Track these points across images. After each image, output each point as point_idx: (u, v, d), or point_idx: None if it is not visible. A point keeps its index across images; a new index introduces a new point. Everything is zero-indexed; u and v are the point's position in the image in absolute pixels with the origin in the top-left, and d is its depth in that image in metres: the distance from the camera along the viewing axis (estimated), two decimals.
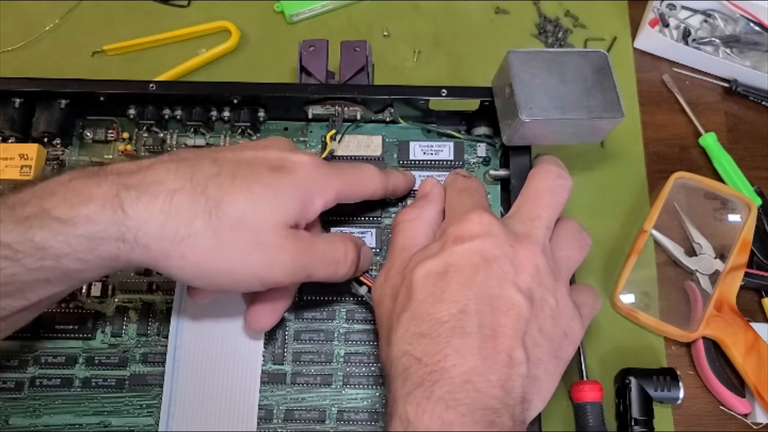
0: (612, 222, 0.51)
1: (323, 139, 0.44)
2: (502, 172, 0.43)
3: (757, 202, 0.50)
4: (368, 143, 0.44)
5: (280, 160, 0.34)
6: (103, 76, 0.50)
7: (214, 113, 0.45)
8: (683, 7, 0.57)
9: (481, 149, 0.45)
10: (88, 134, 0.45)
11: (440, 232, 0.35)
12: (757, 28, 0.54)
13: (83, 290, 0.42)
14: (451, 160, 0.44)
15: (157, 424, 0.39)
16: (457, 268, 0.32)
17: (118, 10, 0.58)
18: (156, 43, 0.56)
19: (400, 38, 0.57)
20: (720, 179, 0.51)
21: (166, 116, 0.45)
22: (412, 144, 0.44)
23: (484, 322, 0.31)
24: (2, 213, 0.30)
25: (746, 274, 0.47)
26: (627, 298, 0.47)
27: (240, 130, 0.45)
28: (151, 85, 0.43)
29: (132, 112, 0.45)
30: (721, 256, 0.48)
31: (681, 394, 0.44)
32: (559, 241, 0.36)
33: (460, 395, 0.29)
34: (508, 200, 0.41)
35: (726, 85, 0.55)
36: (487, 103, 0.42)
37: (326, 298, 0.42)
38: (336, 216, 0.43)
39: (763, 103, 0.55)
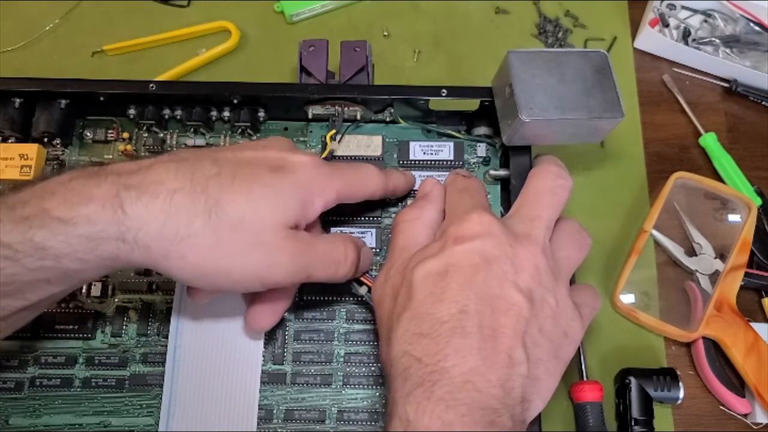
0: (612, 222, 0.51)
1: (323, 139, 0.44)
2: (502, 172, 0.43)
3: (757, 202, 0.50)
4: (368, 143, 0.44)
5: (280, 160, 0.34)
6: (103, 76, 0.50)
7: (214, 113, 0.45)
8: (683, 7, 0.57)
9: (481, 149, 0.45)
10: (88, 134, 0.45)
11: (440, 232, 0.35)
12: (757, 28, 0.54)
13: (83, 290, 0.42)
14: (451, 160, 0.44)
15: (157, 424, 0.39)
16: (457, 268, 0.32)
17: (118, 10, 0.58)
18: (156, 43, 0.56)
19: (400, 38, 0.57)
20: (720, 179, 0.51)
21: (166, 116, 0.45)
22: (412, 144, 0.44)
23: (484, 322, 0.31)
24: (2, 213, 0.30)
25: (746, 274, 0.47)
26: (627, 298, 0.47)
27: (240, 130, 0.45)
28: (151, 85, 0.43)
29: (132, 112, 0.45)
30: (721, 256, 0.48)
31: (681, 394, 0.44)
32: (559, 241, 0.36)
33: (460, 395, 0.29)
34: (508, 200, 0.41)
35: (726, 85, 0.55)
36: (487, 103, 0.42)
37: (326, 298, 0.42)
38: (336, 216, 0.43)
39: (763, 103, 0.55)
